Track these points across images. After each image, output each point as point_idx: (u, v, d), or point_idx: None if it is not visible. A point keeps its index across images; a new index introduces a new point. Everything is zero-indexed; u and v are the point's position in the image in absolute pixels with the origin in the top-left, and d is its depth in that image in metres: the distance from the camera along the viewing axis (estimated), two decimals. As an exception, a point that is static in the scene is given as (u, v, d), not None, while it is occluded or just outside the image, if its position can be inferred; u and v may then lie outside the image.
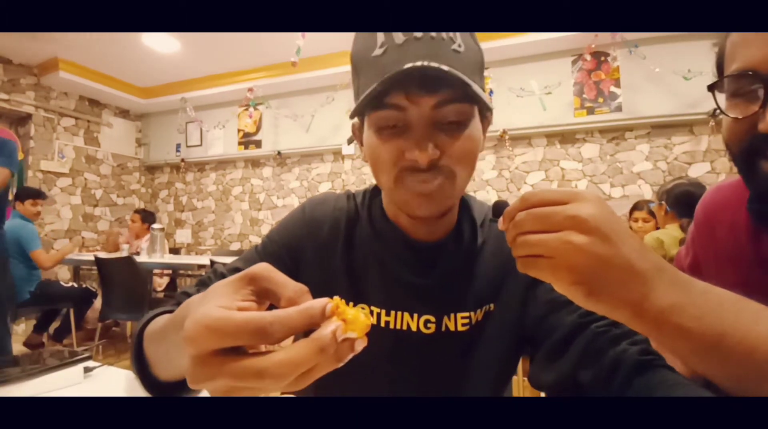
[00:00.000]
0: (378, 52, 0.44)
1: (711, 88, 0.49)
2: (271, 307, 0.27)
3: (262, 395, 0.24)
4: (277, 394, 0.27)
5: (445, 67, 0.41)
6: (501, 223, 0.36)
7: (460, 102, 0.45)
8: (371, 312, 0.55)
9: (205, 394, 0.27)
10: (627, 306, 0.31)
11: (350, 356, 0.24)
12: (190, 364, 0.23)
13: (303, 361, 0.22)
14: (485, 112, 0.51)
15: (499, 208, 0.38)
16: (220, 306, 0.24)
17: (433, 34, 0.43)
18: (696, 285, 0.32)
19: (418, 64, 0.41)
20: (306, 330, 0.24)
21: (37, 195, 2.98)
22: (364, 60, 0.47)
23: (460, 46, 0.44)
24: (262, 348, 0.24)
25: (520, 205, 0.34)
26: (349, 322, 0.24)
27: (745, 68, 0.44)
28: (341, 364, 0.24)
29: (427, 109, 0.44)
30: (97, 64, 4.01)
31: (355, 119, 0.55)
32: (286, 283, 0.27)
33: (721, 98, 0.49)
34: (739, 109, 0.46)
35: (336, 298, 0.25)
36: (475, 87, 0.43)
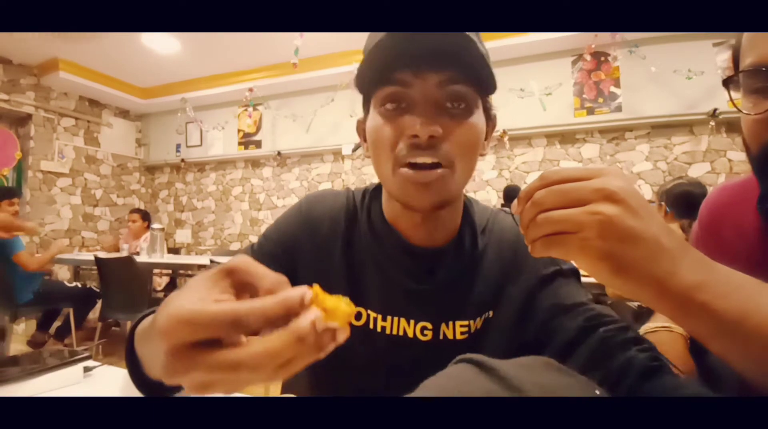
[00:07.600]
0: (388, 35, 0.44)
1: (726, 83, 0.48)
2: None
3: (242, 389, 0.23)
4: (278, 394, 0.27)
5: (471, 36, 0.42)
6: (515, 206, 0.34)
7: (466, 84, 0.45)
8: (368, 316, 0.53)
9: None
10: (653, 283, 0.30)
11: (332, 347, 0.23)
12: (164, 358, 0.22)
13: (280, 352, 0.21)
14: (490, 111, 0.51)
15: (511, 192, 0.35)
16: (194, 299, 0.23)
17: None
18: (719, 266, 0.31)
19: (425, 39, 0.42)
20: (284, 320, 0.23)
21: (10, 194, 2.79)
22: (373, 47, 0.46)
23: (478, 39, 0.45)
24: (243, 340, 0.23)
25: (540, 184, 0.32)
26: (329, 311, 0.23)
27: (758, 64, 0.43)
28: (323, 355, 0.23)
29: (433, 86, 0.44)
30: (97, 64, 4.01)
31: (361, 115, 0.54)
32: (264, 275, 0.26)
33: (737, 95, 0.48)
34: (753, 105, 0.45)
35: (315, 286, 0.24)
36: (487, 61, 0.44)
